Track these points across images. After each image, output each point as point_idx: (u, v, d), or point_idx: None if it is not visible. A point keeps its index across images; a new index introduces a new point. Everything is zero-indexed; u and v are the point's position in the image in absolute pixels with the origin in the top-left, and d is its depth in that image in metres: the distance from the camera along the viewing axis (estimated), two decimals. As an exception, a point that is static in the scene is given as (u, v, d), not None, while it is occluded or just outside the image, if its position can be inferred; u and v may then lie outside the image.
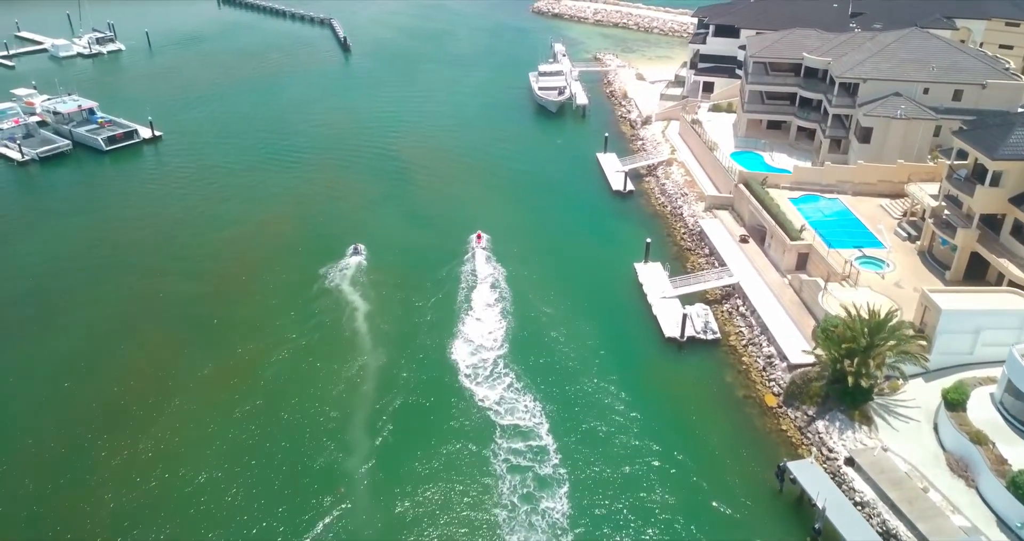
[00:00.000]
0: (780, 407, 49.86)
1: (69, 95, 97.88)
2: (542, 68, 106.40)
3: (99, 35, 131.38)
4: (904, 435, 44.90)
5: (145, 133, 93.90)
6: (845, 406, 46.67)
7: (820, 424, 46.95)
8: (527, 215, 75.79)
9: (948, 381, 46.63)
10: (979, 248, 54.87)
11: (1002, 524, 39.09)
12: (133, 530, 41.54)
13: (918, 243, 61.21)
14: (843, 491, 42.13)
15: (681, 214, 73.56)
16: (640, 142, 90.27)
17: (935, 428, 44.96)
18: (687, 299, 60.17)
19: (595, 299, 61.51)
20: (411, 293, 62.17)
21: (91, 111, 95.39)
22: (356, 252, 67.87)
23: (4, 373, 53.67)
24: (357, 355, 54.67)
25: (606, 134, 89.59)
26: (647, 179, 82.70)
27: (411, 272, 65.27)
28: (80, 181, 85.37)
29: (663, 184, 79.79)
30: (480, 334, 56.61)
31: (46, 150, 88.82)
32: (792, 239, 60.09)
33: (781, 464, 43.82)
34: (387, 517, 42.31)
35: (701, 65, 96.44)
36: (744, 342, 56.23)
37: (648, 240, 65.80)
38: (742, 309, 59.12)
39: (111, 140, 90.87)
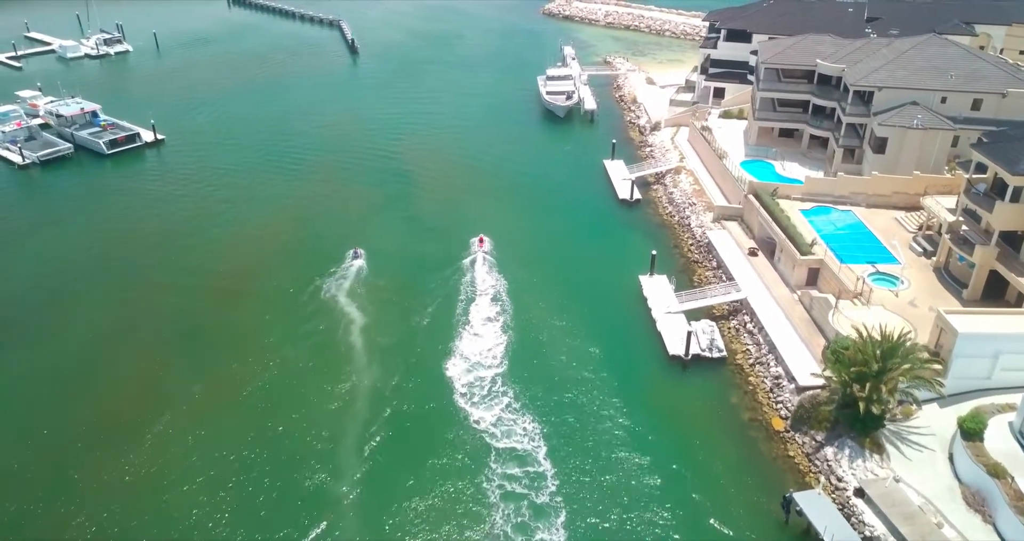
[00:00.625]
0: (787, 431, 47.90)
1: (72, 97, 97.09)
2: (550, 72, 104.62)
3: (107, 36, 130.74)
4: (917, 465, 42.87)
5: (147, 136, 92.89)
6: (856, 432, 44.67)
7: (829, 451, 44.99)
8: (531, 223, 74.14)
9: (965, 407, 44.60)
10: (998, 266, 52.62)
11: (1020, 564, 37.09)
12: (114, 555, 40.24)
13: (934, 259, 58.98)
14: (852, 525, 40.15)
15: (689, 224, 71.63)
16: (648, 149, 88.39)
17: (950, 458, 42.89)
18: (693, 314, 58.32)
19: (598, 313, 59.73)
20: (410, 304, 60.65)
21: (94, 114, 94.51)
22: (356, 256, 66.67)
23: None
24: (351, 372, 53.12)
25: (613, 140, 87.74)
26: (655, 187, 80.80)
27: (410, 281, 63.77)
28: (79, 186, 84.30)
29: (671, 193, 77.88)
30: (478, 351, 54.94)
31: (47, 153, 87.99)
32: (802, 253, 58.08)
33: (787, 494, 41.92)
34: (375, 545, 40.80)
35: (712, 70, 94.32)
36: (751, 361, 54.29)
37: (653, 252, 63.95)
38: (749, 326, 57.20)
39: (113, 143, 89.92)
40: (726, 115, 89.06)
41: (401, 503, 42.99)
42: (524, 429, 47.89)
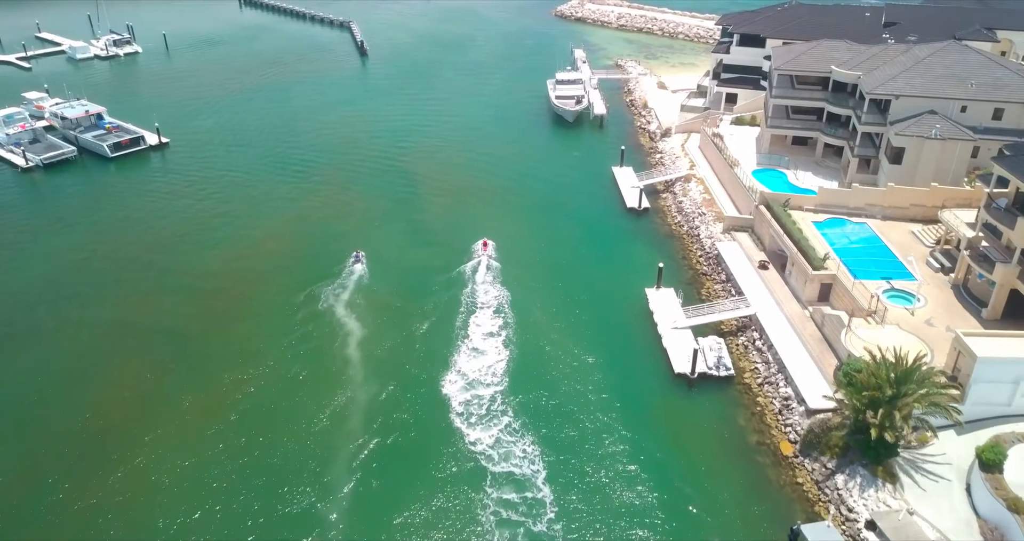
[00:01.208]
0: (796, 456, 46.01)
1: (78, 99, 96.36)
2: (560, 76, 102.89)
3: (116, 37, 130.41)
4: (933, 496, 40.93)
5: (152, 139, 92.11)
6: (868, 460, 42.77)
7: (839, 479, 43.10)
8: (536, 231, 72.59)
9: (983, 436, 42.60)
10: (1019, 285, 50.45)
11: (1041, 606, 35.14)
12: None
13: (952, 275, 56.84)
14: (863, 560, 38.45)
15: (698, 235, 69.77)
16: (658, 155, 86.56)
17: (968, 490, 40.95)
18: (700, 330, 56.50)
19: (602, 328, 58.04)
20: (409, 315, 59.28)
21: (99, 116, 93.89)
22: (357, 260, 65.61)
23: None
24: (346, 387, 51.67)
25: (623, 147, 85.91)
26: (664, 195, 78.97)
27: (412, 289, 62.55)
28: (82, 189, 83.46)
29: (680, 202, 76.04)
30: (478, 367, 53.33)
31: (50, 156, 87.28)
32: (815, 268, 56.12)
33: (795, 526, 40.05)
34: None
35: (724, 75, 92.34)
36: (760, 381, 52.43)
37: (661, 264, 62.12)
38: (759, 343, 55.33)
39: (117, 147, 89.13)
40: (738, 121, 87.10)
41: (390, 527, 41.48)
42: (523, 451, 46.25)
